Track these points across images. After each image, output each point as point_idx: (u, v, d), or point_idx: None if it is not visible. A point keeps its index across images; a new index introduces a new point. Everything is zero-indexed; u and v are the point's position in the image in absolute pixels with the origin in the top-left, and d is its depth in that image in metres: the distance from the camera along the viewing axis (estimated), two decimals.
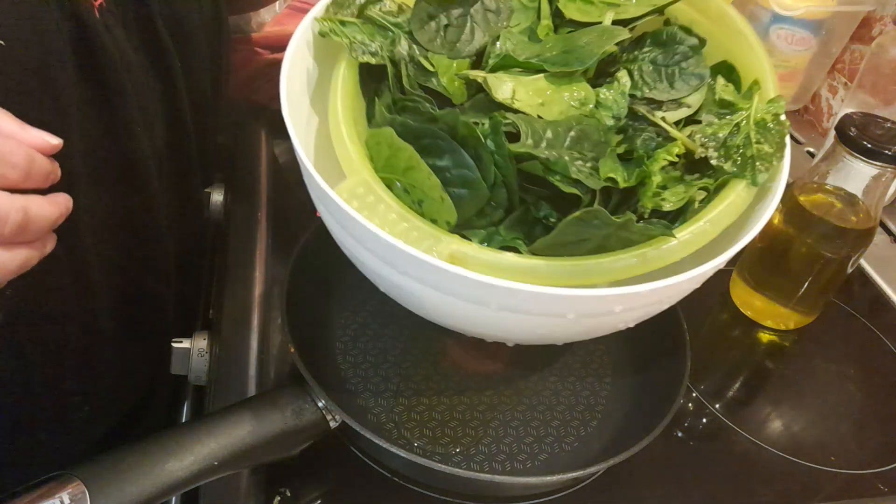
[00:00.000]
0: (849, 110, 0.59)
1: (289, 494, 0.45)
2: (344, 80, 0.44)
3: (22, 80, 0.36)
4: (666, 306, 0.43)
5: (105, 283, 0.47)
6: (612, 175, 0.40)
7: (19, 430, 0.46)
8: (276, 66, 0.78)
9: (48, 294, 0.43)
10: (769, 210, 0.40)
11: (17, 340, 0.42)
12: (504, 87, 0.42)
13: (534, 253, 0.40)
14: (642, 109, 0.44)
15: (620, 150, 0.43)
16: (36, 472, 0.35)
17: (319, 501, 0.45)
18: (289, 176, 0.72)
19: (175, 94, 0.52)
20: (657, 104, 0.45)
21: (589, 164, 0.41)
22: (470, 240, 0.41)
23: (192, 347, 0.53)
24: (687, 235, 0.39)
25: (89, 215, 0.44)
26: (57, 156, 0.35)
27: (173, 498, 0.44)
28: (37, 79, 0.37)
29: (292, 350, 0.44)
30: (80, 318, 0.46)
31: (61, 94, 0.39)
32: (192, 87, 0.54)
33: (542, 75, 0.43)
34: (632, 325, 0.43)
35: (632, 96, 0.44)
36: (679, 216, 0.42)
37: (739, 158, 0.41)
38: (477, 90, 0.44)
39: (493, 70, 0.44)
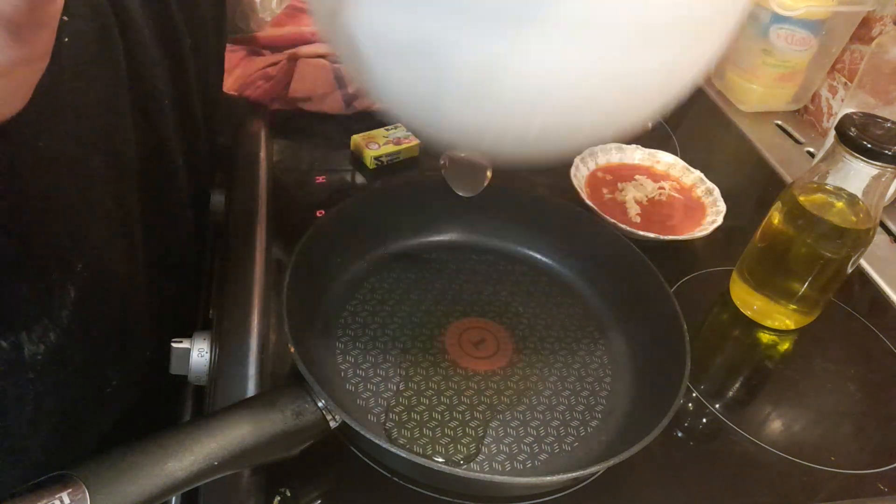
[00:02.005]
0: (849, 110, 0.59)
1: (289, 494, 0.45)
2: None
3: (84, 52, 0.36)
4: None
5: (143, 251, 0.48)
6: None
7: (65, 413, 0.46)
8: (276, 65, 0.79)
9: (109, 264, 0.43)
10: None
11: (85, 318, 0.43)
12: None
13: None
14: None
15: None
16: (35, 472, 0.35)
17: (319, 501, 0.45)
18: (289, 176, 0.72)
19: (183, 73, 0.52)
20: None
21: None
22: None
23: (192, 347, 0.53)
24: None
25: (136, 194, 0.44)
26: (117, 139, 0.34)
27: (173, 498, 0.44)
28: (96, 50, 0.37)
29: (292, 350, 0.44)
30: (123, 290, 0.46)
31: (116, 67, 0.39)
32: (198, 63, 0.54)
33: None
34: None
35: None
36: None
37: None
38: None
39: None
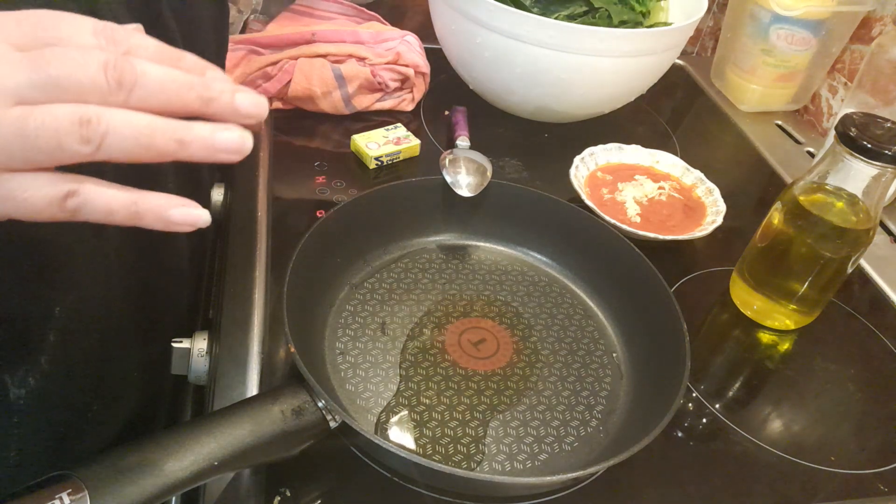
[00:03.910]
0: (849, 110, 0.59)
1: (289, 494, 0.45)
2: None
3: None
4: None
5: (122, 277, 0.47)
6: None
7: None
8: (276, 65, 0.79)
9: (90, 302, 0.42)
10: None
11: (66, 359, 0.42)
12: None
13: None
14: None
15: None
16: (36, 473, 0.35)
17: (319, 501, 0.45)
18: (289, 176, 0.72)
19: None
20: None
21: None
22: None
23: (192, 347, 0.53)
24: None
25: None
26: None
27: (173, 498, 0.44)
28: None
29: (292, 350, 0.44)
30: (105, 322, 0.46)
31: None
32: None
33: None
34: None
35: None
36: None
37: None
38: None
39: None
